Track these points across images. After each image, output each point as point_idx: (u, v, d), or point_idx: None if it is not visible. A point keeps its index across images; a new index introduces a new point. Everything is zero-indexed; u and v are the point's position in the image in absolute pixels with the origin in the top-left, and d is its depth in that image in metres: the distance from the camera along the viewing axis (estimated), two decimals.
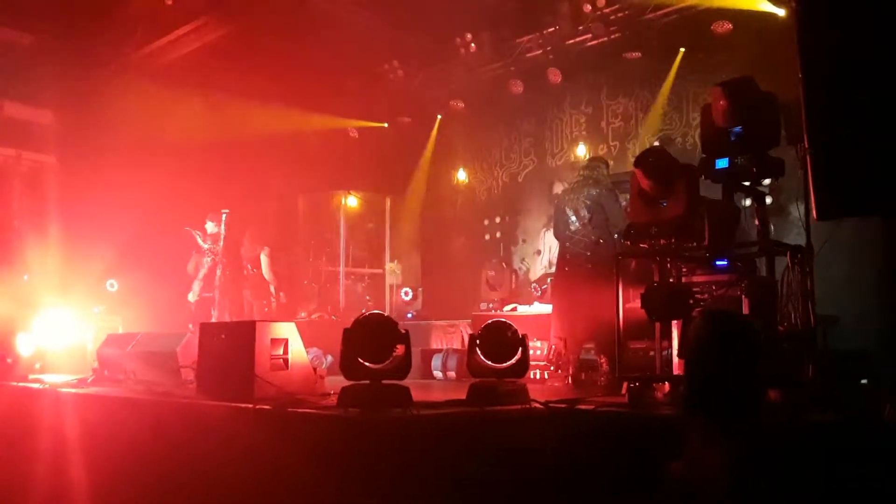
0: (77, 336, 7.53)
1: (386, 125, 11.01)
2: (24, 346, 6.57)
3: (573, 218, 6.11)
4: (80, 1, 8.55)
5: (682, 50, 8.25)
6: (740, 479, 2.60)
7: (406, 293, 9.70)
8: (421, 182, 10.96)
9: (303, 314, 9.61)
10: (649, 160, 4.48)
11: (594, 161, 6.56)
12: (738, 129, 4.28)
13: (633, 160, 4.81)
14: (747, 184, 4.52)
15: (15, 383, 5.82)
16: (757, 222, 4.48)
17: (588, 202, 6.05)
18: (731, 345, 2.96)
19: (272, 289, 9.16)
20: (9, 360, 6.20)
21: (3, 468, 5.10)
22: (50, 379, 5.88)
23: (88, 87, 9.47)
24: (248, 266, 9.10)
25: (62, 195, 9.41)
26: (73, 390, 5.27)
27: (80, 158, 9.62)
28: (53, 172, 9.95)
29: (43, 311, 7.55)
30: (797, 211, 5.27)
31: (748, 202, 5.51)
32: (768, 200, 5.08)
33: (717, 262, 4.42)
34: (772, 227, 5.40)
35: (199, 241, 8.32)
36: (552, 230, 6.95)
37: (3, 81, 9.28)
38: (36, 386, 5.59)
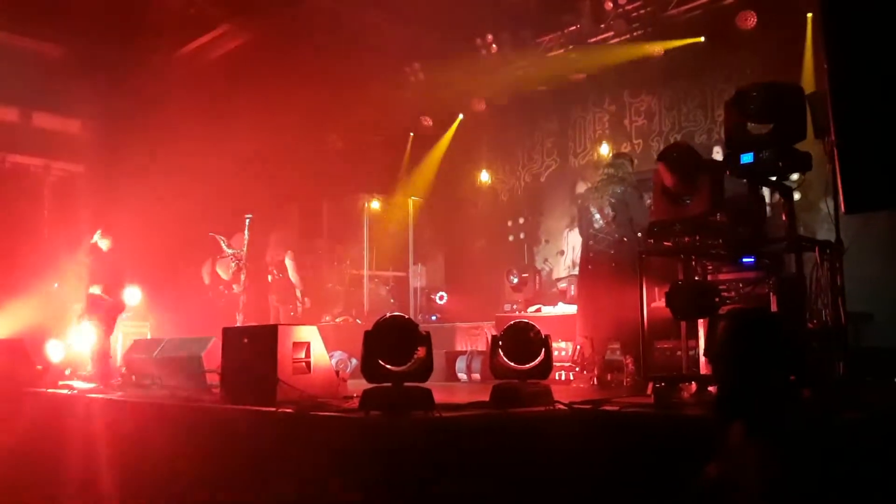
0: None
1: (412, 135, 11.02)
2: (55, 352, 6.67)
3: (597, 216, 6.04)
4: (107, 12, 8.68)
5: (702, 38, 8.13)
6: (774, 479, 2.54)
7: (441, 297, 9.68)
8: (444, 184, 10.94)
9: (327, 318, 9.63)
10: (673, 155, 4.41)
11: (618, 157, 6.48)
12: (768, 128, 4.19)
13: (656, 157, 4.74)
14: (774, 179, 4.42)
15: (45, 390, 5.90)
16: (784, 218, 4.39)
17: (612, 200, 5.98)
18: (761, 344, 2.89)
19: (298, 293, 9.20)
20: (39, 367, 6.28)
21: (34, 472, 5.18)
22: (79, 385, 5.96)
23: (115, 96, 9.63)
24: (274, 271, 9.15)
25: (91, 203, 9.56)
26: (101, 396, 5.33)
27: (108, 167, 9.78)
28: (82, 181, 10.12)
29: (73, 318, 7.66)
30: (827, 206, 5.15)
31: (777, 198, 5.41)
32: (796, 196, 4.97)
33: (744, 260, 4.34)
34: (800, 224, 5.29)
35: (224, 246, 8.38)
36: (576, 229, 6.89)
37: (32, 92, 9.47)
38: (65, 392, 5.67)
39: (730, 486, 2.57)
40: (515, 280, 8.20)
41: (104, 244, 8.01)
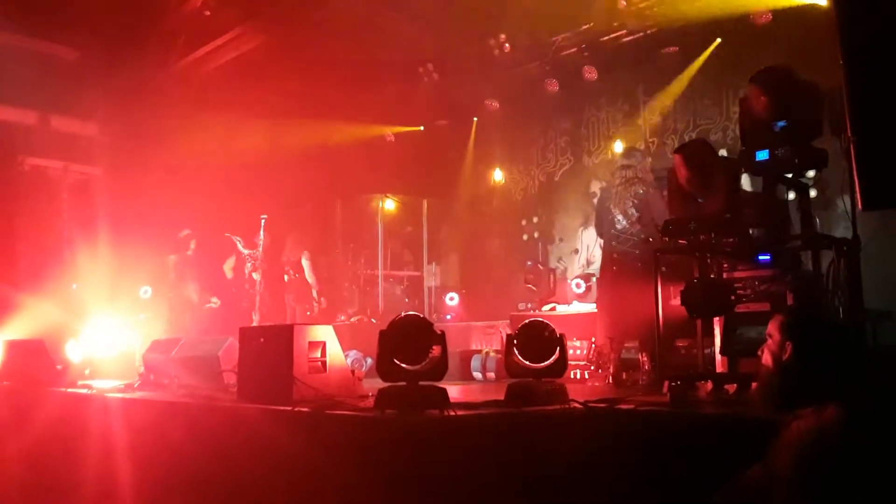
0: (124, 342, 7.70)
1: (422, 128, 11.04)
2: (74, 352, 6.73)
3: (619, 217, 6.04)
4: (122, 15, 8.76)
5: (718, 40, 8.09)
6: (810, 477, 2.53)
7: (451, 298, 9.71)
8: (458, 184, 10.96)
9: (342, 317, 9.68)
10: (690, 149, 4.41)
11: (630, 152, 6.46)
12: (780, 123, 4.18)
13: (671, 156, 4.73)
14: (790, 176, 4.40)
15: (65, 389, 5.96)
16: (801, 215, 4.37)
17: (635, 201, 5.99)
18: (824, 336, 3.08)
19: (314, 293, 9.26)
20: (59, 367, 6.35)
21: (54, 471, 5.25)
22: (98, 384, 6.02)
23: (132, 99, 9.71)
24: (290, 271, 9.22)
25: (109, 205, 9.65)
26: (120, 395, 5.38)
27: (126, 169, 9.87)
28: (100, 183, 10.22)
29: (91, 318, 7.75)
30: (844, 203, 5.11)
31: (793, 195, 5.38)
32: (813, 193, 4.94)
33: (760, 257, 4.32)
34: (817, 221, 5.25)
35: (240, 246, 8.46)
36: (594, 228, 6.87)
37: (50, 96, 9.57)
38: (84, 391, 5.73)
39: (776, 487, 2.56)
40: (529, 263, 8.29)
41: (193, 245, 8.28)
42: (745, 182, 5.77)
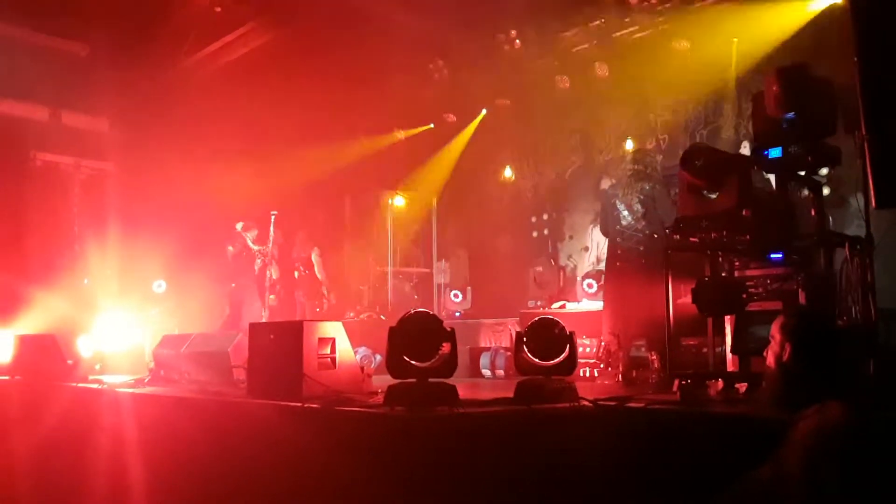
0: (135, 337, 7.74)
1: (432, 126, 11.03)
2: (85, 347, 6.77)
3: (625, 213, 6.01)
4: (133, 11, 8.79)
5: (736, 40, 8.03)
6: (816, 478, 2.52)
7: (456, 295, 9.70)
8: (467, 180, 10.93)
9: (351, 314, 9.70)
10: (696, 164, 4.34)
11: (639, 154, 6.44)
12: (790, 115, 4.14)
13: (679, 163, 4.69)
14: (803, 173, 4.37)
15: (76, 384, 5.99)
16: (814, 213, 4.34)
17: (642, 196, 5.96)
18: (829, 337, 3.10)
19: (324, 289, 9.28)
20: (70, 362, 6.38)
21: (64, 465, 5.28)
22: (109, 379, 6.04)
23: (143, 94, 9.76)
24: (300, 267, 9.24)
25: (120, 201, 9.70)
26: (131, 390, 5.40)
27: (137, 164, 9.92)
28: (111, 179, 10.28)
29: (102, 313, 7.80)
30: (857, 201, 5.07)
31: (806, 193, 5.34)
32: (826, 191, 4.90)
33: (772, 256, 4.29)
34: (830, 219, 5.22)
35: (249, 242, 8.48)
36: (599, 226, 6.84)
37: (61, 91, 9.62)
38: (95, 386, 5.75)
39: (783, 486, 2.54)
40: (540, 270, 8.29)
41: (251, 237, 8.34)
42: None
